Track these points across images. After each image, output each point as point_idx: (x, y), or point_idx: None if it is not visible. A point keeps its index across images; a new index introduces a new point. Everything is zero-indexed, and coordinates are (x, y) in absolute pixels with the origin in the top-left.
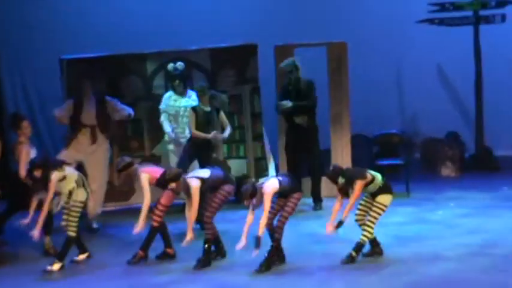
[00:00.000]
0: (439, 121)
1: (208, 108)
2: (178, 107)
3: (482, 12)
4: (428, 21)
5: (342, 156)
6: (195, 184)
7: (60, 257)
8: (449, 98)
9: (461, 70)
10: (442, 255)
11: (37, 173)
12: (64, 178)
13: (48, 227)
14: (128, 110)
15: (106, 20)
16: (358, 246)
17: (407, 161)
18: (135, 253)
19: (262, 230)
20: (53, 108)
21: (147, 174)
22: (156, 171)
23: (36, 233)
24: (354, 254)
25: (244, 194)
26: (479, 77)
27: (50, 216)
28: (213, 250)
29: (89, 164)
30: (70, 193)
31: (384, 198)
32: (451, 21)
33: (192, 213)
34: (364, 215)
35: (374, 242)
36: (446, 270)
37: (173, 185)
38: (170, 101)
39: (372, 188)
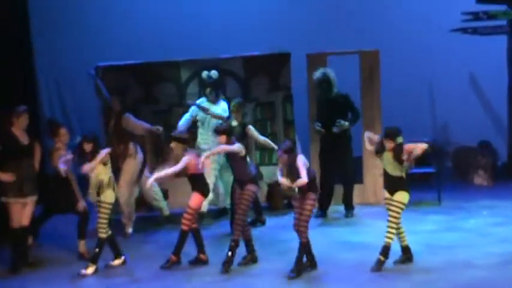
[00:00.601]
0: (471, 129)
1: (235, 123)
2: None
3: None
4: (461, 30)
5: (374, 164)
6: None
7: (93, 260)
8: (481, 107)
9: (494, 79)
10: (473, 264)
11: (87, 147)
12: (106, 164)
13: (82, 231)
14: (147, 125)
15: (141, 28)
16: (384, 250)
17: (439, 169)
18: (168, 258)
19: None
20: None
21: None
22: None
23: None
24: (382, 258)
25: (282, 147)
26: (511, 85)
27: (85, 220)
28: (245, 255)
29: (122, 171)
30: (98, 193)
31: (402, 196)
32: (484, 30)
33: None
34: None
35: (405, 249)
36: (478, 278)
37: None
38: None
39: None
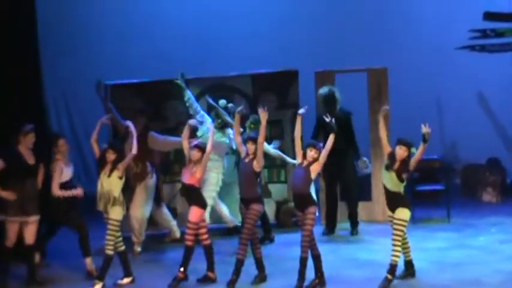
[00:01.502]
0: (480, 147)
1: None
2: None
3: None
4: (469, 48)
5: (381, 181)
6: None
7: (100, 277)
8: (490, 124)
9: (502, 96)
10: (482, 282)
11: (111, 156)
12: (121, 178)
13: (85, 248)
14: (174, 139)
15: (149, 45)
16: (392, 268)
17: (447, 186)
18: (175, 276)
19: None
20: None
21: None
22: None
23: None
24: (389, 276)
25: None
26: None
27: (85, 237)
28: (257, 275)
29: (136, 190)
30: (105, 209)
31: (403, 213)
32: (492, 48)
33: None
34: None
35: (409, 264)
36: None
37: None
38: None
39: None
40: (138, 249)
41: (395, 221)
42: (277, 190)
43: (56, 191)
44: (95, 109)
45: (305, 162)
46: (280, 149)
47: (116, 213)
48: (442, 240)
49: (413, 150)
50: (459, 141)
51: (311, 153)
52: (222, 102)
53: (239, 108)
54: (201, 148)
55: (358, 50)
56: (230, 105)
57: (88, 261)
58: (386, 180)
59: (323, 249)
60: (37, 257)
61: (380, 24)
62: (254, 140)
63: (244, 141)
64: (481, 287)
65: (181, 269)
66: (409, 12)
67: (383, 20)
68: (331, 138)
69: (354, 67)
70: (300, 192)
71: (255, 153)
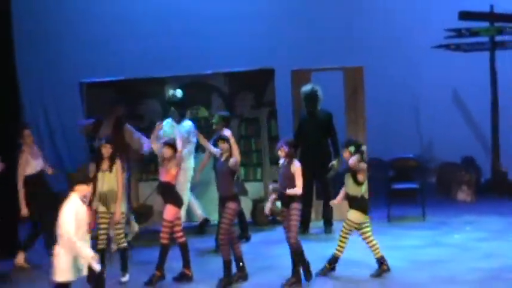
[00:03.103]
0: (455, 146)
1: None
2: (171, 133)
3: (499, 38)
4: (444, 47)
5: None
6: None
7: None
8: (465, 123)
9: (477, 95)
10: (457, 279)
11: (108, 150)
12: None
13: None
14: (145, 147)
15: (124, 44)
16: (333, 259)
17: (423, 185)
18: (152, 274)
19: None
20: (73, 136)
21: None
22: None
23: None
24: (327, 265)
25: (286, 139)
26: (495, 102)
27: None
28: (235, 272)
29: None
30: (107, 207)
31: (353, 214)
32: (467, 47)
33: None
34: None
35: (380, 261)
36: None
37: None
38: (166, 127)
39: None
40: (115, 247)
41: (346, 220)
42: (254, 188)
43: (19, 184)
44: (71, 107)
45: (286, 160)
46: (257, 147)
47: (122, 207)
48: (418, 239)
49: (350, 149)
50: (434, 140)
51: (283, 152)
52: (179, 91)
53: (158, 123)
54: (170, 144)
55: (335, 49)
56: (178, 90)
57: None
58: (346, 184)
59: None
60: (21, 258)
61: (356, 23)
62: (224, 139)
63: (214, 142)
64: (456, 284)
65: (158, 267)
66: (386, 11)
67: (360, 19)
68: None
69: (330, 66)
70: (283, 188)
71: (229, 152)
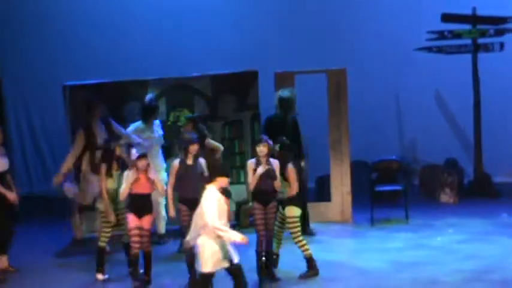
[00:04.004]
0: (438, 148)
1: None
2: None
3: (481, 41)
4: (427, 49)
5: (341, 182)
6: None
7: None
8: (448, 125)
9: (460, 97)
10: (440, 281)
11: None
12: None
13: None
14: (133, 139)
15: (109, 47)
16: (309, 262)
17: (406, 187)
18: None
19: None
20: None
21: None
22: None
23: None
24: (311, 271)
25: (280, 140)
26: (477, 104)
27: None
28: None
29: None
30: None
31: (290, 210)
32: (449, 49)
33: None
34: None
35: (310, 262)
36: None
37: None
38: (137, 131)
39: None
40: (108, 247)
41: (287, 220)
42: (237, 191)
43: None
44: (53, 109)
45: (266, 160)
46: (240, 149)
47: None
48: (401, 241)
49: (276, 146)
50: (418, 142)
51: (261, 148)
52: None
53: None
54: (145, 155)
55: (318, 51)
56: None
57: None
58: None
59: (285, 250)
60: (5, 260)
61: (340, 25)
62: (195, 142)
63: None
64: (438, 286)
65: (146, 273)
66: (369, 13)
67: (343, 21)
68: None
69: (313, 68)
70: (265, 188)
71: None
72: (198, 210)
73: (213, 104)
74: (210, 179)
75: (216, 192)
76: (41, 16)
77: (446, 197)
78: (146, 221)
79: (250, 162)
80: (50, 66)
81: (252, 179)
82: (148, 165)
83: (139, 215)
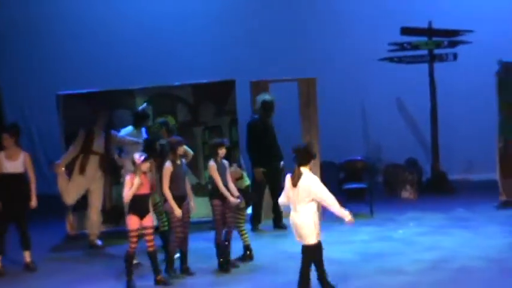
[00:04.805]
0: (399, 148)
1: (163, 141)
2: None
3: (436, 51)
4: (388, 59)
5: None
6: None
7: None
8: (408, 128)
9: (419, 103)
10: (402, 270)
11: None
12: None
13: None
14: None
15: (97, 57)
16: (247, 248)
17: (370, 185)
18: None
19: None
20: (50, 141)
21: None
22: None
23: None
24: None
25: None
26: (434, 108)
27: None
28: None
29: (95, 187)
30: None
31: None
32: (408, 59)
33: None
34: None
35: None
36: (406, 283)
37: None
38: (131, 136)
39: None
40: (100, 242)
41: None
42: None
43: None
44: (48, 116)
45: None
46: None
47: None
48: (366, 234)
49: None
50: (381, 143)
51: (223, 150)
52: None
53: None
54: (148, 158)
55: (291, 61)
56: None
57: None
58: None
59: (260, 242)
60: None
61: (310, 37)
62: (183, 143)
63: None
64: (401, 275)
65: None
66: (337, 26)
67: (313, 33)
68: None
69: (286, 77)
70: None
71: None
72: (302, 188)
73: (194, 111)
74: (305, 163)
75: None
76: (39, 27)
77: (407, 193)
78: (148, 220)
79: (213, 164)
80: (45, 76)
81: (217, 178)
82: (150, 167)
83: (142, 215)
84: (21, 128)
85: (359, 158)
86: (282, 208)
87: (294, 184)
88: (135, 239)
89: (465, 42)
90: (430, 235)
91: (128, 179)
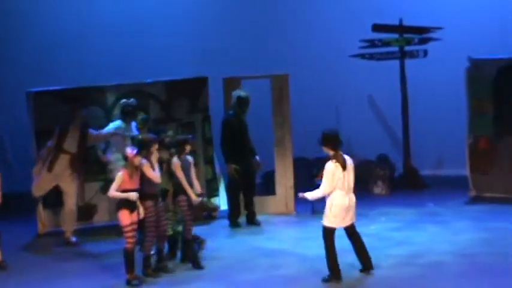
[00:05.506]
0: (371, 145)
1: None
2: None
3: (407, 48)
4: (359, 56)
5: (285, 177)
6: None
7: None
8: (379, 124)
9: (390, 99)
10: (375, 265)
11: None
12: None
13: None
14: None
15: (68, 54)
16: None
17: None
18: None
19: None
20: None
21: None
22: None
23: None
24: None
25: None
26: (405, 105)
27: None
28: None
29: (66, 185)
30: None
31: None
32: (379, 56)
33: None
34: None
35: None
36: (378, 278)
37: None
38: (120, 130)
39: None
40: (75, 239)
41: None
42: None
43: None
44: (19, 116)
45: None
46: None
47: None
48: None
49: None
50: (353, 139)
51: (190, 147)
52: (133, 100)
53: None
54: (140, 152)
55: (264, 58)
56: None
57: None
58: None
59: (233, 239)
60: None
61: (283, 34)
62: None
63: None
64: (375, 269)
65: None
66: (309, 23)
67: (286, 30)
68: None
69: (259, 74)
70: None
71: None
72: (351, 168)
73: (167, 108)
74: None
75: None
76: (6, 25)
77: (378, 189)
78: (135, 216)
79: (177, 161)
80: (13, 74)
81: (181, 175)
82: (141, 161)
83: (132, 209)
84: None
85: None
86: (254, 206)
87: (344, 167)
88: (131, 234)
89: (435, 39)
90: (401, 230)
91: (120, 174)
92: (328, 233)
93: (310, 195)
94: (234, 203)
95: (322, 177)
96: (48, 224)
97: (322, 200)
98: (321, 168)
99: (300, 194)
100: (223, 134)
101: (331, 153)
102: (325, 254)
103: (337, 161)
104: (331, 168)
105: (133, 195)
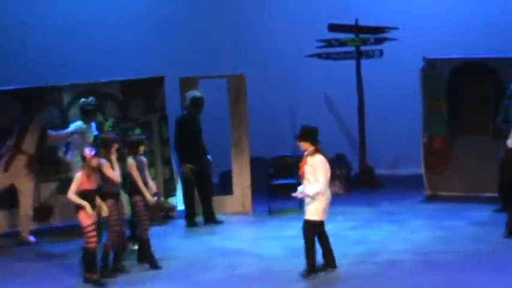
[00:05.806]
0: (328, 144)
1: None
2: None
3: (363, 48)
4: (316, 56)
5: (242, 177)
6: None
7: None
8: (336, 124)
9: (346, 99)
10: None
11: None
12: None
13: None
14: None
15: (25, 53)
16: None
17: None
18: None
19: None
20: None
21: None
22: None
23: None
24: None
25: None
26: (361, 104)
27: None
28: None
29: (22, 185)
30: None
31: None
32: (336, 56)
33: None
34: None
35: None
36: (334, 277)
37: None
38: (81, 131)
39: None
40: (33, 238)
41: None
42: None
43: None
44: None
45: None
46: (149, 148)
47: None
48: (295, 229)
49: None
50: None
51: (143, 148)
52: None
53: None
54: (98, 153)
55: (221, 58)
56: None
57: None
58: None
59: (190, 239)
60: None
61: (240, 34)
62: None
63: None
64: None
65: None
66: (266, 23)
67: (242, 30)
68: None
69: (215, 74)
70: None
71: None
72: None
73: (123, 107)
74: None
75: None
76: None
77: (335, 188)
78: (93, 216)
79: (132, 162)
80: None
81: (136, 176)
82: (101, 161)
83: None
84: None
85: (288, 153)
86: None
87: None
88: (92, 233)
89: (391, 39)
90: (358, 229)
91: (78, 175)
92: (314, 228)
93: (311, 192)
94: (190, 203)
95: (303, 174)
96: (4, 225)
97: (279, 201)
98: (278, 168)
99: (299, 194)
100: (177, 134)
101: (311, 148)
102: (304, 249)
103: (322, 154)
104: (322, 161)
105: (89, 210)
